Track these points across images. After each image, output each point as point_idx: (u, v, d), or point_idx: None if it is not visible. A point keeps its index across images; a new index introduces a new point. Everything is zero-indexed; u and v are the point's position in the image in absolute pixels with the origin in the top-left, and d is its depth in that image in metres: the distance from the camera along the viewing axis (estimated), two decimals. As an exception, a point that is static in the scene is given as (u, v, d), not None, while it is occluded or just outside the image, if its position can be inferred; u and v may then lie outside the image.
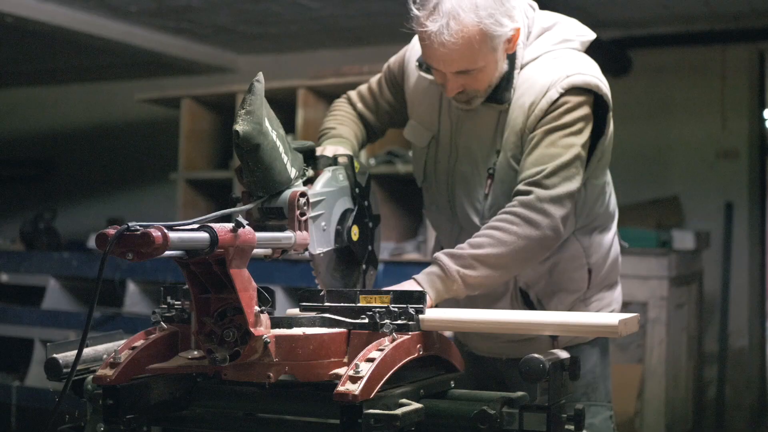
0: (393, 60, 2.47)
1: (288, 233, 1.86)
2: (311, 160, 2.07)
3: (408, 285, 2.02)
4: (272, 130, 1.87)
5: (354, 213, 2.11)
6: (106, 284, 4.91)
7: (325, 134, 2.39)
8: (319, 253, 2.02)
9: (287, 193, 1.88)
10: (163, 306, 1.90)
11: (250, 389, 1.81)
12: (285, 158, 1.91)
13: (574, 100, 2.16)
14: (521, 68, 2.22)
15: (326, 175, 2.07)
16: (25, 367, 5.22)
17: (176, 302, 1.89)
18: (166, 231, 1.52)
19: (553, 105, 2.15)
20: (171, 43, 6.37)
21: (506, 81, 2.21)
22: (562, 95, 2.15)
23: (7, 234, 6.68)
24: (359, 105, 2.50)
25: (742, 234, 6.04)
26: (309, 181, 2.03)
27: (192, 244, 1.58)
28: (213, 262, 1.65)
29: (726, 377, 5.95)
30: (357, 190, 2.14)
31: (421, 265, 4.21)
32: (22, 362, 5.29)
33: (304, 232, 1.88)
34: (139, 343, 1.81)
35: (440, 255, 2.07)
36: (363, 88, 2.53)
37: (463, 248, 2.07)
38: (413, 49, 2.39)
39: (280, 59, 6.79)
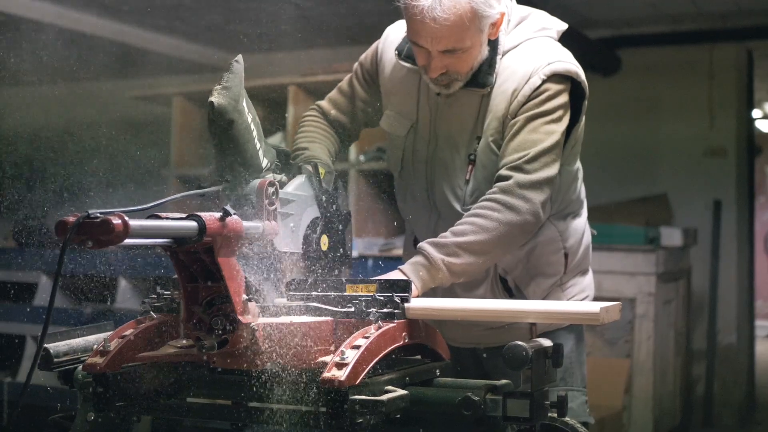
0: (364, 56, 2.49)
1: (255, 222, 1.81)
2: (285, 166, 2.04)
3: (394, 275, 2.05)
4: (248, 112, 1.85)
5: (322, 222, 2.07)
6: (96, 280, 4.93)
7: (299, 156, 2.33)
8: (286, 252, 1.96)
9: (256, 181, 1.84)
10: (153, 296, 1.92)
11: (238, 378, 1.83)
12: (258, 145, 1.88)
13: (554, 87, 2.21)
14: (503, 55, 2.26)
15: (300, 179, 2.04)
16: (17, 364, 5.24)
17: (166, 292, 1.91)
18: (126, 219, 1.50)
19: (536, 91, 2.20)
20: (163, 42, 6.39)
21: (488, 65, 2.25)
22: (544, 82, 2.20)
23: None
24: (333, 112, 2.49)
25: (731, 232, 6.08)
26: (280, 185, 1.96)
27: (156, 232, 1.58)
28: (201, 251, 1.67)
29: (714, 374, 5.99)
30: (324, 198, 2.09)
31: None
32: (14, 358, 5.31)
33: (273, 222, 1.83)
34: (128, 332, 1.83)
35: (424, 245, 2.10)
36: (333, 94, 2.52)
37: (447, 237, 2.10)
38: (387, 41, 2.42)
39: (271, 58, 6.81)
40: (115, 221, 1.48)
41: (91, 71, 7.28)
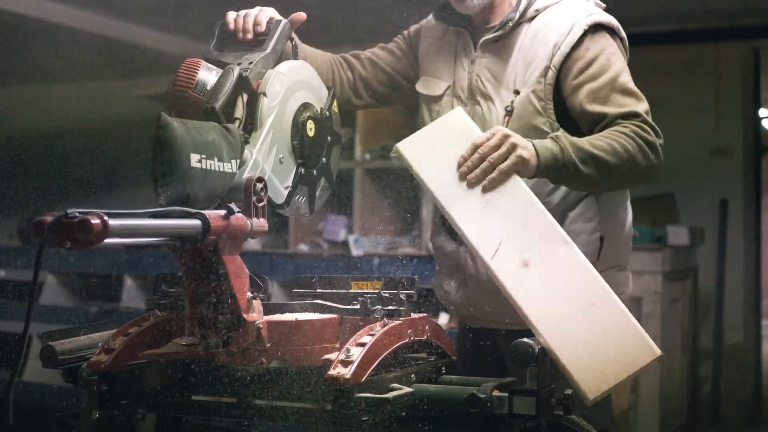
0: (408, 29, 2.52)
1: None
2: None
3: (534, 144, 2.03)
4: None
5: (311, 109, 2.06)
6: (103, 279, 4.94)
7: None
8: (284, 204, 1.97)
9: (242, 179, 1.80)
10: (157, 293, 1.92)
11: (243, 375, 1.83)
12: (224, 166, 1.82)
13: (600, 43, 2.25)
14: (540, 12, 2.29)
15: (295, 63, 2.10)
16: (22, 362, 5.25)
17: (170, 289, 1.91)
18: (106, 218, 1.45)
19: (580, 46, 2.22)
20: (169, 41, 6.39)
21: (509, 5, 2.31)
22: (585, 32, 2.23)
23: (4, 230, 6.69)
24: (355, 61, 2.54)
25: (737, 231, 6.07)
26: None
27: (141, 231, 1.56)
28: (205, 249, 1.66)
29: (721, 373, 5.98)
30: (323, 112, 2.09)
31: (416, 259, 4.24)
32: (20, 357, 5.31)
33: (262, 219, 1.79)
34: (132, 329, 1.83)
35: (561, 137, 2.08)
36: (368, 51, 2.55)
37: (583, 143, 2.09)
38: (430, 19, 2.47)
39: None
40: (93, 221, 1.43)
41: (96, 70, 7.29)
